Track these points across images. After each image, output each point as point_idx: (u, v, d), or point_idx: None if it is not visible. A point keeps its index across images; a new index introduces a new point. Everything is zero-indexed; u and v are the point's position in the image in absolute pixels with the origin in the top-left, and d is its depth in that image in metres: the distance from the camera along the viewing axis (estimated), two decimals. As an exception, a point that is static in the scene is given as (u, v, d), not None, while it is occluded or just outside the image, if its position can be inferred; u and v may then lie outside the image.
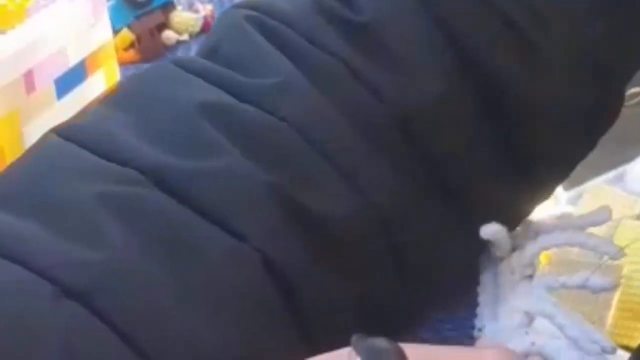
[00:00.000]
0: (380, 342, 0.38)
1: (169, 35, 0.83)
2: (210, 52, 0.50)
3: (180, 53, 0.84)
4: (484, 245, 0.54)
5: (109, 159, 0.45)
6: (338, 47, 0.49)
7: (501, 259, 0.56)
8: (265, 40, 0.49)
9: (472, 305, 0.55)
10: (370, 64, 0.49)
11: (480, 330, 0.53)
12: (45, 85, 0.62)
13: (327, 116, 0.48)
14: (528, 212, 0.55)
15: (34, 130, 0.61)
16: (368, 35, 0.49)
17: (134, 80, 0.51)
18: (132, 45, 0.81)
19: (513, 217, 0.54)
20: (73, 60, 0.64)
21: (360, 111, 0.48)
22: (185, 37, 0.84)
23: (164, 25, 0.83)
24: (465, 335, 0.53)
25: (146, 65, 0.81)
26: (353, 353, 0.39)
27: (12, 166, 0.48)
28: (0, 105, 0.58)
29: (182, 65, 0.49)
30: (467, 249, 0.53)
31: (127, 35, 0.81)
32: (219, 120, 0.46)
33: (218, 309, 0.42)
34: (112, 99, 0.50)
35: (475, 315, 0.54)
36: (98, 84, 0.66)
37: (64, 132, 0.47)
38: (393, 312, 0.49)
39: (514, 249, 0.57)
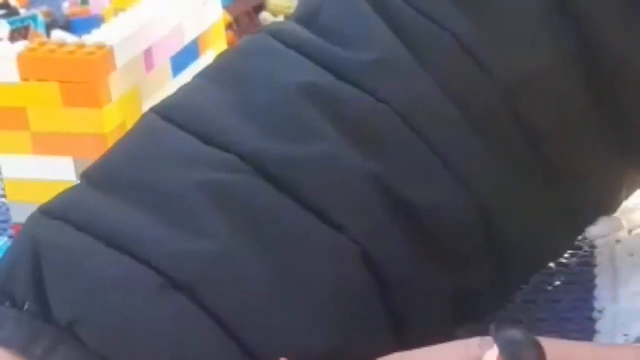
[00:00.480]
0: (519, 334, 0.38)
1: (265, 17, 0.83)
2: (310, 18, 0.49)
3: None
4: (585, 228, 0.54)
5: (209, 143, 0.45)
6: (449, 18, 0.47)
7: (618, 242, 0.57)
8: (371, 9, 0.47)
9: (588, 286, 0.55)
10: (479, 37, 0.47)
11: (600, 312, 0.53)
12: (163, 63, 0.63)
13: (430, 98, 0.46)
14: (632, 192, 0.54)
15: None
16: (479, 6, 0.47)
17: (232, 54, 0.50)
18: (229, 26, 0.81)
19: (616, 197, 0.53)
20: (187, 39, 0.64)
21: (466, 89, 0.47)
22: (281, 18, 0.85)
23: (260, 7, 0.84)
24: (583, 317, 0.53)
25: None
26: (484, 342, 0.39)
27: (115, 148, 0.48)
28: (123, 82, 0.59)
29: (281, 38, 0.48)
30: (568, 233, 0.53)
31: (225, 16, 0.81)
32: (319, 102, 0.45)
33: (317, 303, 0.42)
34: (209, 73, 0.49)
35: (594, 297, 0.54)
36: (208, 63, 0.67)
37: (164, 112, 0.47)
38: (485, 300, 0.48)
39: (630, 231, 0.57)
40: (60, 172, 0.60)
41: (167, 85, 0.63)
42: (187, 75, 0.65)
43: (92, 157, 0.60)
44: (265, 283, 0.42)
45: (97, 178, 0.45)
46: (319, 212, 0.43)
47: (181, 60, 0.64)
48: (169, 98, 0.48)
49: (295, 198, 0.43)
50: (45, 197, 0.61)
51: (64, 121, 0.59)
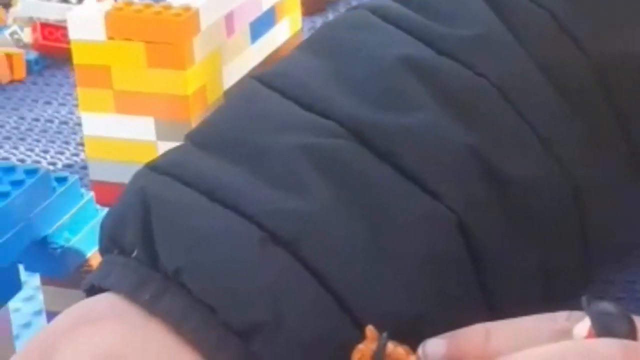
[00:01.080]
0: (612, 307, 0.38)
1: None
2: None
3: (341, 8, 0.86)
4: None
5: (310, 110, 0.46)
6: None
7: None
8: None
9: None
10: (577, 17, 0.48)
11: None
12: (243, 28, 0.63)
13: (528, 74, 0.47)
14: None
15: (232, 71, 0.63)
16: None
17: (331, 27, 0.52)
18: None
19: None
20: (265, 6, 0.65)
21: (561, 66, 0.48)
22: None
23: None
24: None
25: (309, 19, 0.83)
26: (572, 315, 0.39)
27: (218, 111, 0.50)
28: (205, 45, 0.60)
29: (380, 13, 0.49)
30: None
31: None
32: (419, 74, 0.46)
33: (412, 270, 0.43)
34: (310, 45, 0.51)
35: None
36: (284, 31, 0.68)
37: (266, 79, 0.48)
38: (572, 275, 0.49)
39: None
40: (140, 132, 0.61)
41: (245, 51, 0.64)
42: (264, 42, 0.66)
43: (173, 118, 0.61)
44: (362, 246, 0.42)
45: (200, 139, 0.46)
46: (417, 180, 0.44)
47: (259, 27, 0.65)
48: (272, 67, 0.50)
49: (393, 165, 0.44)
50: (123, 156, 0.62)
51: (147, 81, 0.60)
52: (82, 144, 0.75)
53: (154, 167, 0.45)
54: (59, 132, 0.78)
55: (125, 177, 0.63)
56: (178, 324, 0.40)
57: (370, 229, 0.43)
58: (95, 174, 0.62)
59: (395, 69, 0.46)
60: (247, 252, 0.41)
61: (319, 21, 0.90)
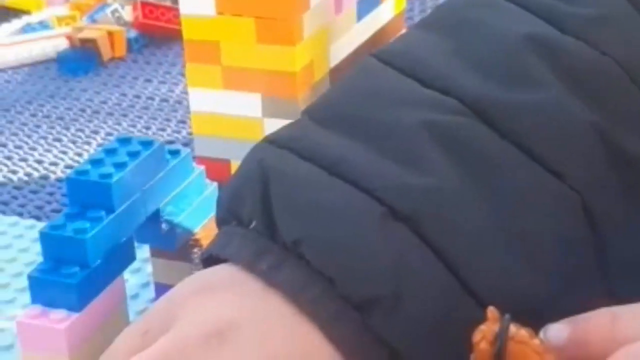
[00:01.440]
0: None
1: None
2: None
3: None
4: None
5: (430, 87, 0.45)
6: None
7: None
8: None
9: None
10: None
11: None
12: (350, 6, 0.63)
13: None
14: None
15: (338, 49, 0.63)
16: None
17: (451, 5, 0.51)
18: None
19: None
20: (372, -16, 0.65)
21: None
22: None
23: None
24: None
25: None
26: None
27: (335, 87, 0.50)
28: (314, 21, 0.60)
29: None
30: None
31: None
32: (543, 53, 0.45)
33: (537, 250, 0.42)
34: (429, 23, 0.50)
35: None
36: (388, 10, 0.67)
37: (385, 56, 0.48)
38: None
39: None
40: (247, 108, 0.61)
41: (352, 29, 0.64)
42: (370, 21, 0.65)
43: (280, 94, 0.61)
44: (485, 225, 0.42)
45: (318, 114, 0.46)
46: (540, 159, 0.43)
47: (365, 5, 0.65)
48: (388, 45, 0.49)
49: (516, 144, 0.43)
50: (229, 132, 0.63)
51: (255, 57, 0.60)
52: (183, 122, 0.76)
53: (272, 141, 0.45)
54: (160, 110, 0.78)
55: (230, 154, 0.64)
56: (295, 295, 0.40)
57: (493, 208, 0.42)
58: (200, 150, 0.62)
59: (519, 47, 0.46)
60: (368, 226, 0.41)
61: (428, 2, 0.90)
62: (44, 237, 0.46)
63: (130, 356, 0.40)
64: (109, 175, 0.47)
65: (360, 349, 0.40)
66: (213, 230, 0.55)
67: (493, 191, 0.42)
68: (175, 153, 0.52)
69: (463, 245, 0.41)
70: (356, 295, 0.40)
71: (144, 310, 0.55)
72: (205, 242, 0.54)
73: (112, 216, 0.47)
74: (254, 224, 0.42)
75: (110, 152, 0.49)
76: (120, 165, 0.48)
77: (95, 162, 0.48)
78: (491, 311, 0.39)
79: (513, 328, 0.38)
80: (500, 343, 0.38)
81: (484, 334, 0.38)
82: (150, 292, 0.56)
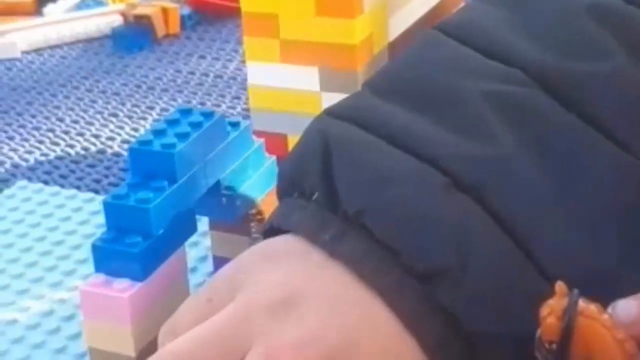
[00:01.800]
0: None
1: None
2: None
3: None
4: None
5: (493, 57, 0.45)
6: None
7: None
8: None
9: None
10: None
11: None
12: (409, -21, 0.63)
13: None
14: None
15: (397, 23, 0.62)
16: None
17: None
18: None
19: None
20: (431, -42, 0.65)
21: None
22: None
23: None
24: None
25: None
26: None
27: (397, 59, 0.49)
28: (373, -4, 0.60)
29: None
30: None
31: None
32: (607, 23, 0.45)
33: (602, 221, 0.42)
34: None
35: None
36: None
37: (447, 28, 0.47)
38: None
39: None
40: (304, 82, 0.61)
41: (411, 2, 0.63)
42: (428, -6, 0.65)
43: (338, 68, 0.60)
44: (549, 196, 0.41)
45: (379, 86, 0.46)
46: (604, 129, 0.43)
47: (424, -21, 0.64)
48: (450, 17, 0.49)
49: (580, 114, 0.43)
50: (286, 106, 0.62)
51: (314, 30, 0.59)
52: (237, 97, 0.76)
53: (333, 113, 0.45)
54: (215, 86, 0.78)
55: (287, 128, 0.64)
56: (358, 266, 0.40)
57: (557, 179, 0.42)
58: (257, 124, 0.62)
59: (583, 17, 0.45)
60: (430, 196, 0.41)
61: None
62: (108, 207, 0.46)
63: (195, 323, 0.40)
64: (172, 145, 0.47)
65: (420, 318, 0.40)
66: (272, 203, 0.55)
67: (557, 162, 0.42)
68: (235, 125, 0.52)
69: (527, 215, 0.41)
70: (419, 266, 0.40)
71: (202, 283, 0.55)
72: (264, 215, 0.54)
73: (174, 186, 0.47)
74: (315, 195, 0.42)
75: (172, 122, 0.49)
76: (182, 136, 0.48)
77: (158, 132, 0.48)
78: (559, 286, 0.38)
79: (582, 303, 0.37)
80: (569, 318, 0.37)
81: (552, 309, 0.38)
82: (209, 265, 0.56)
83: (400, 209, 0.41)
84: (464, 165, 0.42)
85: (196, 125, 0.49)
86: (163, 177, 0.47)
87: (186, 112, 0.50)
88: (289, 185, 0.44)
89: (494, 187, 0.41)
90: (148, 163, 0.47)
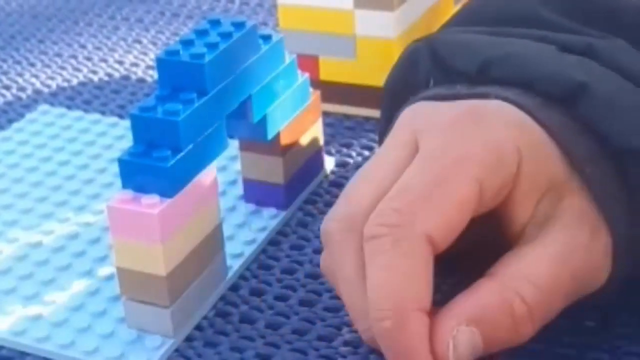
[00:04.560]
0: None
1: None
2: None
3: None
4: None
5: None
6: None
7: None
8: None
9: None
10: None
11: None
12: None
13: None
14: None
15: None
16: None
17: None
18: None
19: None
20: None
21: None
22: None
23: None
24: None
25: None
26: None
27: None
28: None
29: None
30: None
31: None
32: None
33: None
34: None
35: None
36: None
37: None
38: None
39: None
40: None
41: None
42: None
43: (372, -16, 0.58)
44: None
45: (461, 20, 0.49)
46: None
47: None
48: None
49: None
50: (318, 25, 0.60)
51: (347, -56, 0.57)
52: (264, 24, 0.74)
53: (421, 39, 0.47)
54: (240, 13, 0.76)
55: (318, 49, 0.61)
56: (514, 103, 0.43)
57: None
58: (288, 46, 0.59)
59: None
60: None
61: None
62: (135, 120, 0.44)
63: (399, 165, 0.41)
64: (201, 56, 0.45)
65: (567, 131, 0.41)
66: (303, 122, 0.53)
67: None
68: (267, 38, 0.50)
69: None
70: (558, 90, 0.42)
71: (231, 207, 0.53)
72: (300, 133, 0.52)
73: (204, 99, 0.45)
74: (431, 82, 0.44)
75: (201, 33, 0.46)
76: (212, 46, 0.45)
77: (186, 42, 0.46)
78: None
79: None
80: None
81: None
82: (239, 189, 0.54)
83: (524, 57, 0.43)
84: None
85: (226, 36, 0.46)
86: (192, 89, 0.45)
87: (216, 22, 0.47)
88: (402, 86, 0.46)
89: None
90: (177, 74, 0.45)
